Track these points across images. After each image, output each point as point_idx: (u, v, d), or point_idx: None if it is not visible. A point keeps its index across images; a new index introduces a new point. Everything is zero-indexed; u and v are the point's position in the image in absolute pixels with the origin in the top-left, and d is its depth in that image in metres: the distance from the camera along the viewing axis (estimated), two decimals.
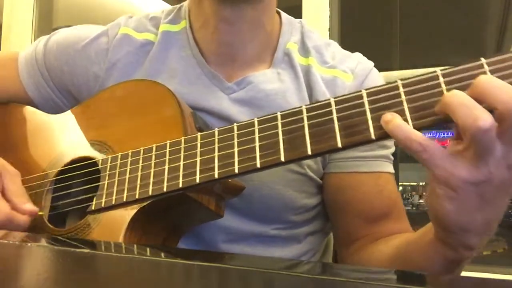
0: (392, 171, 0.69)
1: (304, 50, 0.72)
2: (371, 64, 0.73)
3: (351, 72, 0.70)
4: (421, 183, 3.53)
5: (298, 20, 0.76)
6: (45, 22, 1.90)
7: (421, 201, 3.38)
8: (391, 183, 0.69)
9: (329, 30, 1.43)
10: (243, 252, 0.67)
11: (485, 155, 0.39)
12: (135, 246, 0.52)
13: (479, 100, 0.39)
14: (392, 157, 0.70)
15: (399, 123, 0.42)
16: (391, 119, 0.42)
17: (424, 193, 3.52)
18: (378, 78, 0.73)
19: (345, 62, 0.71)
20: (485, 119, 0.38)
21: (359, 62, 0.72)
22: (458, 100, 0.39)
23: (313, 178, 0.68)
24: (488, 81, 0.39)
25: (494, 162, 0.39)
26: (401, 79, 0.44)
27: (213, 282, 0.31)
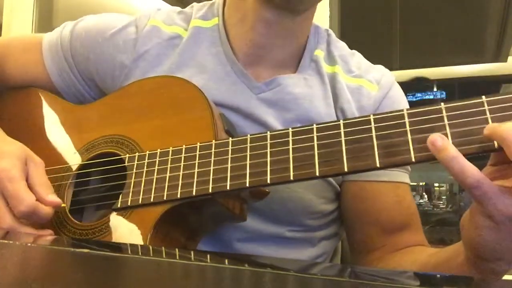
0: (409, 182, 0.70)
1: (330, 59, 0.73)
2: (393, 76, 0.75)
3: (377, 82, 0.71)
4: (421, 183, 3.53)
5: (324, 28, 0.77)
6: (45, 22, 1.90)
7: (421, 201, 3.38)
8: (409, 194, 0.69)
9: None
10: (257, 252, 0.67)
11: None
12: (138, 246, 0.52)
13: None
14: (409, 169, 0.71)
15: (455, 155, 0.41)
16: (444, 148, 0.41)
17: (424, 193, 3.52)
18: (400, 91, 0.74)
19: (370, 73, 0.72)
20: None
21: (384, 74, 0.73)
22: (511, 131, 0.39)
23: (332, 184, 0.68)
24: None
25: None
26: (445, 103, 0.44)
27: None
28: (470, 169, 0.41)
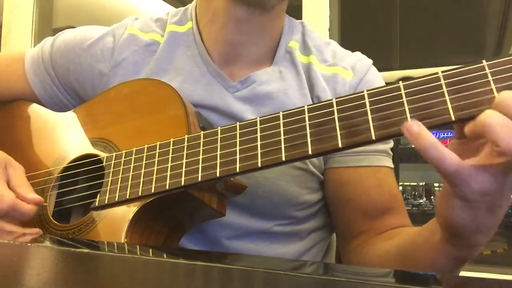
0: (391, 165, 0.70)
1: (305, 49, 0.73)
2: (370, 61, 0.74)
3: (351, 69, 0.71)
4: (421, 183, 3.53)
5: (299, 21, 0.77)
6: (45, 22, 1.90)
7: (421, 201, 3.38)
8: (391, 177, 0.69)
9: (329, 30, 1.43)
10: (246, 249, 0.68)
11: (511, 172, 0.40)
12: (139, 246, 0.52)
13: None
14: (391, 152, 0.71)
15: (434, 142, 0.40)
16: (420, 134, 0.40)
17: (424, 194, 3.51)
18: (377, 75, 0.74)
19: (345, 60, 0.73)
20: None
21: (359, 59, 0.73)
22: (498, 121, 0.38)
23: (315, 173, 0.69)
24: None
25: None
26: (403, 81, 0.45)
27: (215, 282, 0.31)
28: (449, 156, 0.40)
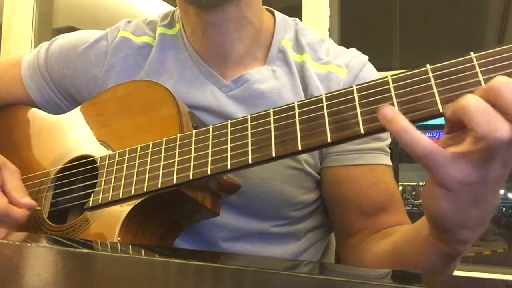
0: (389, 163, 0.70)
1: (298, 47, 0.73)
2: (365, 58, 0.74)
3: (346, 66, 0.71)
4: (421, 183, 3.53)
5: (292, 18, 0.77)
6: (45, 22, 1.90)
7: (421, 201, 3.37)
8: (388, 175, 0.69)
9: (329, 30, 1.43)
10: (243, 250, 0.67)
11: (490, 161, 0.39)
12: (134, 246, 0.52)
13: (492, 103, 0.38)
14: (388, 150, 0.70)
15: (405, 126, 0.40)
16: (394, 120, 0.41)
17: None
18: (373, 72, 0.73)
19: (339, 57, 0.72)
20: (506, 130, 0.37)
21: (354, 56, 0.72)
22: (477, 106, 0.38)
23: (311, 173, 0.69)
24: (504, 84, 0.38)
25: (493, 164, 0.40)
26: (392, 75, 0.45)
27: (208, 281, 0.31)
28: (420, 139, 0.40)
